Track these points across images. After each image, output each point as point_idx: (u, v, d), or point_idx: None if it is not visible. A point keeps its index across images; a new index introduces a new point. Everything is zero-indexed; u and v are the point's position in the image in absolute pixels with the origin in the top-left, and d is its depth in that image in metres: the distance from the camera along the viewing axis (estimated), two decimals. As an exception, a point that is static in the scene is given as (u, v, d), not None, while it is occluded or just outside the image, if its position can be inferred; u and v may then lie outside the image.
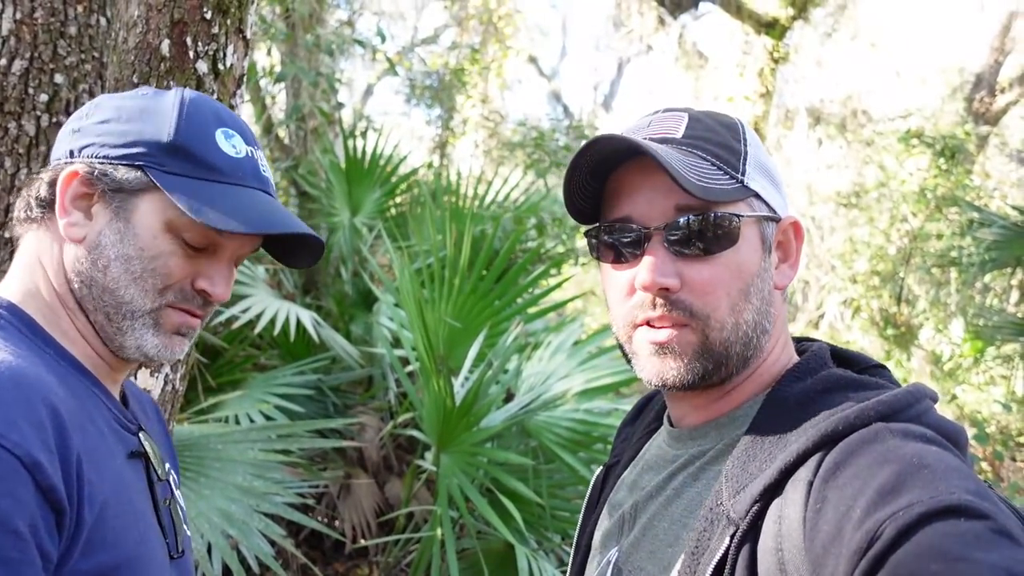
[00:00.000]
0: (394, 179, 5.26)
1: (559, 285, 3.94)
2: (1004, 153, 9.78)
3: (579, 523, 1.10)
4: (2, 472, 0.73)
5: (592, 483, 1.11)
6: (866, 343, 8.22)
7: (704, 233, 0.83)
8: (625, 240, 0.87)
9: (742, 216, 0.85)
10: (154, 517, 0.95)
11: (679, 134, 0.87)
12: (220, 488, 2.65)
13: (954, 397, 7.30)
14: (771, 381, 0.89)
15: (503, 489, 2.87)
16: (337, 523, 3.90)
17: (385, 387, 4.25)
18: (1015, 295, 7.58)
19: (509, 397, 3.35)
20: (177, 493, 1.08)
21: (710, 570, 0.76)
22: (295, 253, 1.03)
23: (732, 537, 0.77)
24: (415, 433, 3.49)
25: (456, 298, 3.38)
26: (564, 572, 3.27)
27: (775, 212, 0.89)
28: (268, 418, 3.35)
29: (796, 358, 0.92)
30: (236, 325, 3.75)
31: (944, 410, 7.27)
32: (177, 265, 0.91)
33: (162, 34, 1.55)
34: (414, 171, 5.70)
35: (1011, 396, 6.93)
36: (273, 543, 2.71)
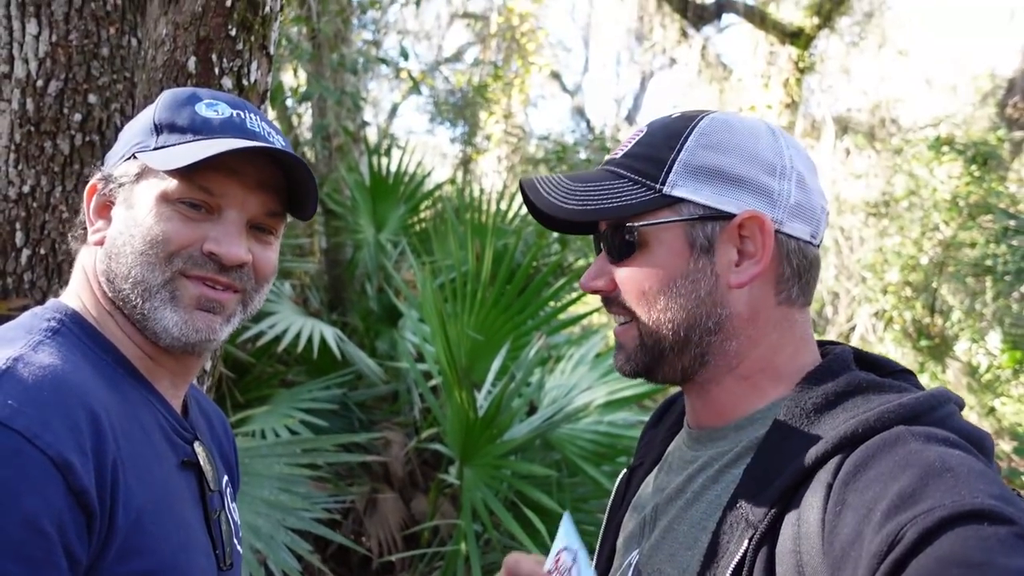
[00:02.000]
0: (418, 196, 5.31)
1: (580, 298, 3.93)
2: (1039, 159, 9.57)
3: (603, 526, 1.09)
4: (33, 472, 0.74)
5: (616, 486, 1.11)
6: (899, 356, 8.05)
7: (613, 243, 0.92)
8: (597, 248, 0.99)
9: (641, 225, 0.89)
10: (203, 528, 0.96)
11: (621, 154, 0.96)
12: (247, 502, 2.67)
13: (992, 410, 7.11)
14: (790, 383, 0.88)
15: (527, 502, 2.86)
16: (363, 539, 3.90)
17: (410, 402, 4.26)
18: (1054, 304, 7.38)
19: (532, 410, 3.33)
20: (232, 506, 1.08)
21: (728, 573, 0.76)
22: (305, 204, 1.01)
23: (750, 540, 0.76)
24: (439, 447, 3.49)
25: (479, 312, 3.39)
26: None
27: (720, 211, 0.88)
28: (294, 433, 3.38)
29: (819, 359, 0.91)
30: (263, 341, 3.79)
31: (982, 423, 7.07)
32: (176, 230, 0.91)
33: (188, 51, 1.59)
34: (438, 187, 5.75)
35: (1052, 408, 6.73)
36: (300, 558, 2.72)
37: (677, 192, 0.89)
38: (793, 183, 0.90)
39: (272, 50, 1.76)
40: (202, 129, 0.94)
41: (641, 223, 0.90)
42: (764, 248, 0.88)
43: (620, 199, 0.91)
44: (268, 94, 1.81)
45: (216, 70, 1.64)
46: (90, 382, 0.84)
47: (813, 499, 0.73)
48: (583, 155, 7.67)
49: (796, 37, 8.86)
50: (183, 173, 0.91)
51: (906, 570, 0.61)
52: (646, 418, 3.35)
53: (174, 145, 0.93)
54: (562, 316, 3.83)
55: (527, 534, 2.68)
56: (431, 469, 4.49)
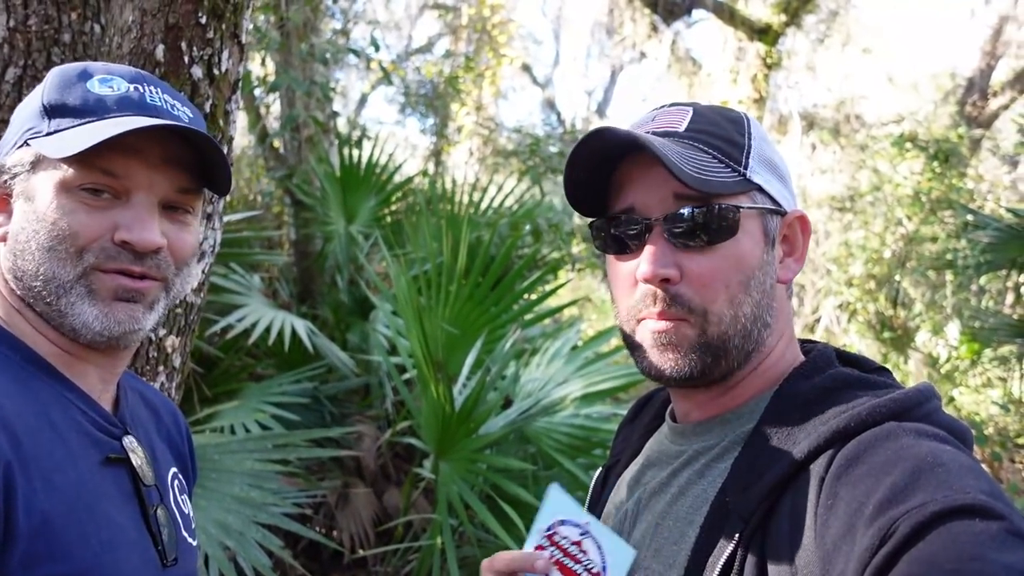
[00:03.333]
0: (389, 187, 5.26)
1: (555, 291, 3.93)
2: (997, 156, 9.82)
3: None
4: None
5: (592, 485, 1.10)
6: (863, 347, 8.22)
7: (703, 224, 0.83)
8: (628, 232, 0.88)
9: (742, 208, 0.85)
10: (139, 525, 0.92)
11: (682, 128, 0.87)
12: (217, 499, 2.62)
13: (951, 400, 7.30)
14: (777, 378, 0.88)
15: (503, 496, 2.85)
16: (335, 533, 3.87)
17: (382, 395, 4.23)
18: (1010, 297, 7.60)
19: (507, 403, 3.33)
20: (181, 499, 1.05)
21: (719, 567, 0.76)
22: (219, 178, 0.95)
23: (741, 534, 0.76)
24: (413, 441, 3.47)
25: (453, 304, 3.37)
26: None
27: (780, 206, 0.89)
28: (264, 428, 3.32)
29: (802, 357, 0.91)
30: (231, 335, 3.73)
31: (942, 413, 7.24)
32: (82, 222, 0.86)
33: (156, 39, 1.54)
34: (410, 179, 5.70)
35: (1008, 397, 6.94)
36: (271, 554, 2.69)
37: (756, 179, 0.86)
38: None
39: (244, 39, 1.72)
40: (96, 109, 0.88)
41: (737, 205, 0.84)
42: (804, 247, 0.90)
43: (717, 175, 0.84)
44: (239, 83, 1.76)
45: (186, 59, 1.59)
46: None
47: (805, 493, 0.73)
48: (556, 148, 7.67)
49: (764, 33, 8.94)
50: (80, 157, 0.85)
51: (898, 564, 0.62)
52: (622, 411, 3.37)
53: (67, 129, 0.87)
54: (537, 309, 3.82)
55: (503, 527, 2.68)
56: (403, 463, 4.46)
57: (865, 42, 11.48)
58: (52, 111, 0.89)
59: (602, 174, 0.90)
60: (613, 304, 0.95)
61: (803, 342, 0.96)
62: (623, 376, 3.22)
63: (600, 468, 1.12)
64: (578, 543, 0.88)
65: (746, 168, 0.86)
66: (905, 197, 7.86)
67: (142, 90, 0.92)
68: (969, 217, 6.64)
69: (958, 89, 9.64)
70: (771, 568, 0.73)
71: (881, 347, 8.03)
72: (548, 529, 0.90)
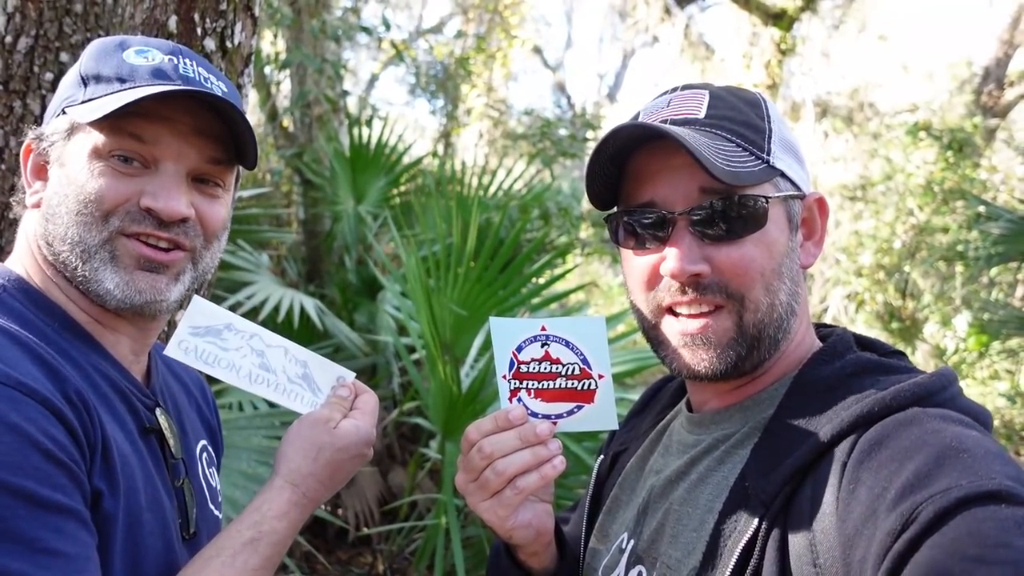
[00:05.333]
0: (399, 168, 5.24)
1: (564, 275, 3.92)
2: (1012, 147, 9.72)
3: (585, 515, 1.07)
4: (34, 413, 0.74)
5: (595, 471, 1.09)
6: (872, 336, 8.19)
7: (731, 216, 0.82)
8: (648, 225, 0.85)
9: (769, 197, 0.83)
10: (172, 494, 0.94)
11: (701, 114, 0.85)
12: (225, 474, 2.64)
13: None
14: (796, 363, 0.87)
15: (508, 477, 2.85)
16: (340, 512, 3.89)
17: (389, 375, 4.24)
18: (1020, 290, 7.55)
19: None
20: (209, 472, 1.06)
21: (739, 550, 0.75)
22: (246, 150, 0.96)
23: (762, 518, 0.75)
24: (420, 421, 3.48)
25: (462, 286, 3.36)
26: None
27: (800, 189, 0.87)
28: (271, 405, 3.34)
29: (819, 342, 0.90)
30: (240, 312, 3.73)
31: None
32: (110, 186, 0.87)
33: (169, 10, 1.53)
34: (419, 160, 5.67)
35: (1016, 390, 6.91)
36: (277, 530, 2.71)
37: (779, 164, 0.84)
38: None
39: (257, 12, 1.70)
40: (130, 77, 0.89)
41: (764, 195, 0.82)
42: (823, 230, 0.88)
43: (744, 165, 0.81)
44: (252, 57, 1.75)
45: (198, 30, 1.57)
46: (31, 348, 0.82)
47: (828, 477, 0.73)
48: (565, 132, 7.62)
49: (779, 19, 8.84)
50: (111, 124, 0.86)
51: (920, 549, 0.61)
52: (627, 396, 3.37)
53: (101, 96, 0.88)
54: (545, 293, 3.81)
55: (507, 509, 2.69)
56: (409, 443, 4.48)
57: (881, 29, 11.34)
58: (88, 80, 0.90)
59: (616, 164, 0.89)
60: (629, 296, 0.93)
61: (819, 326, 0.95)
62: (631, 361, 3.21)
63: (601, 454, 1.10)
64: (546, 356, 0.87)
65: (769, 154, 0.84)
66: (917, 187, 7.79)
67: (176, 62, 0.93)
68: (981, 208, 6.58)
69: (974, 78, 9.53)
70: (792, 552, 0.72)
71: (889, 338, 8.00)
72: (510, 367, 0.89)
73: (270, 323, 4.10)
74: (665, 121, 0.84)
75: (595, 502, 1.06)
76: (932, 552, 0.60)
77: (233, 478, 2.67)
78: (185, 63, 0.93)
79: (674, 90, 0.91)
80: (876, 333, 8.23)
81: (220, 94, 0.91)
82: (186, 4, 1.54)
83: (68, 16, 1.72)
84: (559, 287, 4.21)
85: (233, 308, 3.79)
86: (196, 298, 0.97)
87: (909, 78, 11.75)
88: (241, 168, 0.99)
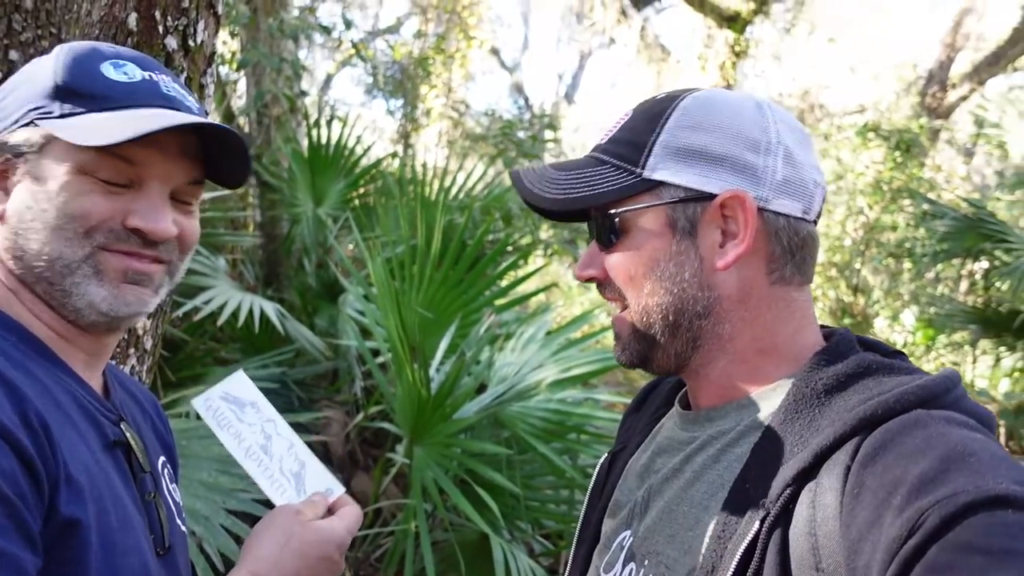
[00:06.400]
0: (358, 169, 5.17)
1: (528, 276, 3.92)
2: (954, 147, 10.08)
3: (583, 511, 1.07)
4: None
5: (597, 471, 1.09)
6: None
7: (599, 231, 0.93)
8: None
9: (629, 210, 0.89)
10: (142, 509, 0.91)
11: (606, 140, 0.95)
12: (184, 485, 2.57)
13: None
14: (795, 364, 0.86)
15: (478, 480, 2.84)
16: (304, 519, 3.82)
17: (351, 380, 4.18)
18: (964, 284, 7.83)
19: (481, 388, 3.32)
20: (172, 487, 1.03)
21: (739, 553, 0.74)
22: (233, 172, 0.96)
23: (763, 521, 0.74)
24: (385, 425, 3.44)
25: (427, 289, 3.33)
26: (540, 561, 3.26)
27: (701, 192, 0.86)
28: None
29: (822, 342, 0.90)
30: (197, 317, 3.64)
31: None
32: (95, 203, 0.85)
33: (129, 7, 1.48)
34: (379, 161, 5.61)
35: (962, 382, 7.15)
36: (239, 540, 2.64)
37: (657, 175, 0.88)
38: (780, 159, 0.87)
39: (220, 9, 1.65)
40: (114, 96, 0.87)
41: (622, 209, 0.90)
42: (747, 227, 0.85)
43: (600, 186, 0.91)
44: (215, 56, 1.70)
45: (160, 28, 1.52)
46: None
47: (830, 481, 0.72)
48: (524, 133, 7.63)
49: (733, 21, 9.01)
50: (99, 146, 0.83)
51: (926, 555, 0.60)
52: (596, 396, 3.39)
53: (84, 114, 0.85)
54: (510, 294, 3.81)
55: (477, 511, 2.67)
56: (372, 448, 4.42)
57: (830, 32, 11.65)
58: (64, 93, 0.86)
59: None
60: None
61: (822, 326, 0.94)
62: (596, 361, 3.23)
63: (606, 454, 1.11)
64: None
65: (643, 167, 0.88)
66: (867, 186, 8.01)
67: (155, 79, 0.91)
68: (927, 206, 6.80)
69: (919, 80, 9.85)
70: (793, 556, 0.72)
71: (842, 333, 8.20)
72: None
73: (228, 328, 4.00)
74: (599, 143, 0.96)
75: (595, 500, 1.06)
76: (938, 560, 0.60)
77: (193, 488, 2.60)
78: (163, 80, 0.92)
79: (624, 111, 1.00)
80: (829, 329, 8.43)
81: (196, 111, 0.91)
82: (146, 1, 1.49)
83: (17, 12, 1.64)
84: (521, 289, 4.21)
85: (191, 314, 3.69)
86: (240, 372, 1.09)
87: (857, 80, 12.10)
88: (226, 187, 1.00)
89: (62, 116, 0.85)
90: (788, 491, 0.75)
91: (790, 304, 0.89)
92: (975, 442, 0.68)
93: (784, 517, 0.74)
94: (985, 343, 6.75)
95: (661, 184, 0.88)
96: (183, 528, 1.02)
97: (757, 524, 0.75)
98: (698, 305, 0.87)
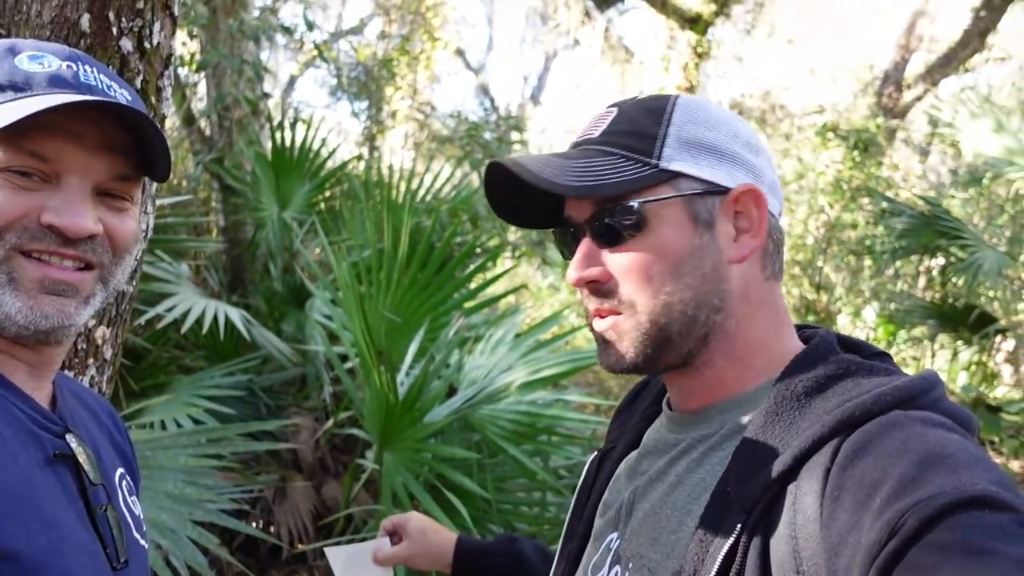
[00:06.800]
0: (323, 172, 5.11)
1: (497, 279, 3.91)
2: (910, 146, 10.33)
3: (571, 510, 1.07)
4: None
5: (586, 470, 1.08)
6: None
7: (612, 225, 0.86)
8: (569, 239, 0.93)
9: (651, 200, 0.86)
10: (86, 525, 0.86)
11: (598, 133, 0.90)
12: (150, 497, 2.50)
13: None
14: (776, 365, 0.86)
15: (448, 485, 2.83)
16: (273, 528, 3.76)
17: (319, 386, 4.13)
18: (923, 280, 8.03)
19: (451, 392, 3.30)
20: (131, 500, 0.99)
21: (720, 557, 0.74)
22: (155, 164, 0.90)
23: (743, 524, 0.74)
24: (355, 431, 3.40)
25: (395, 292, 3.31)
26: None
27: (718, 185, 0.87)
28: (197, 422, 3.19)
29: (801, 344, 0.90)
30: (160, 325, 3.56)
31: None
32: (4, 200, 0.79)
33: (81, 7, 1.43)
34: (345, 164, 5.55)
35: (922, 376, 7.32)
36: (206, 552, 2.59)
37: (675, 166, 0.86)
38: (766, 160, 0.91)
39: (176, 10, 1.61)
40: (25, 85, 0.82)
41: (641, 200, 0.86)
42: (760, 222, 0.87)
43: (617, 175, 0.85)
44: (172, 58, 1.66)
45: (114, 30, 1.48)
46: None
47: (810, 483, 0.72)
48: (490, 135, 7.62)
49: (695, 23, 9.11)
50: (7, 138, 0.79)
51: (905, 558, 0.61)
52: (566, 397, 3.39)
53: None
54: (479, 297, 3.80)
55: (447, 516, 2.66)
56: (342, 455, 4.37)
57: (789, 34, 11.86)
58: None
59: (519, 197, 0.94)
60: None
61: (801, 327, 0.95)
62: (566, 362, 3.23)
63: (595, 453, 1.10)
64: None
65: (659, 158, 0.86)
66: (827, 185, 8.17)
67: (75, 68, 0.85)
68: (885, 205, 6.96)
69: (875, 81, 10.07)
70: (774, 559, 0.72)
71: (805, 329, 8.35)
72: None
73: (193, 336, 3.92)
74: (577, 143, 0.92)
75: (583, 499, 1.06)
76: (918, 561, 0.60)
77: (159, 500, 2.54)
78: (85, 70, 0.86)
79: (600, 110, 0.96)
80: (793, 325, 8.57)
81: (125, 103, 0.84)
82: (99, 2, 1.44)
83: (-37, 13, 1.59)
84: (491, 291, 4.20)
85: (153, 321, 3.61)
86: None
87: (816, 81, 12.32)
88: (152, 179, 0.93)
89: None
90: (769, 494, 0.74)
91: (776, 302, 0.91)
92: (952, 443, 0.68)
93: (765, 520, 0.74)
94: (943, 337, 6.93)
95: (679, 175, 0.86)
96: (142, 543, 0.98)
97: (738, 527, 0.74)
98: (715, 298, 0.86)
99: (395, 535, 1.45)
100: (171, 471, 2.64)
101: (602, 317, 0.89)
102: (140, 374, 3.59)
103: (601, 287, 0.88)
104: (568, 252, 0.94)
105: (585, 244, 0.89)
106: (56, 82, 0.83)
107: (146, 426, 3.11)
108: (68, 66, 0.85)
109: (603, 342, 0.90)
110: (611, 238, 0.87)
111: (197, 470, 2.70)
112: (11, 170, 0.80)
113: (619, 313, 0.87)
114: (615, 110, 0.92)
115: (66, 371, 1.58)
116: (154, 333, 3.72)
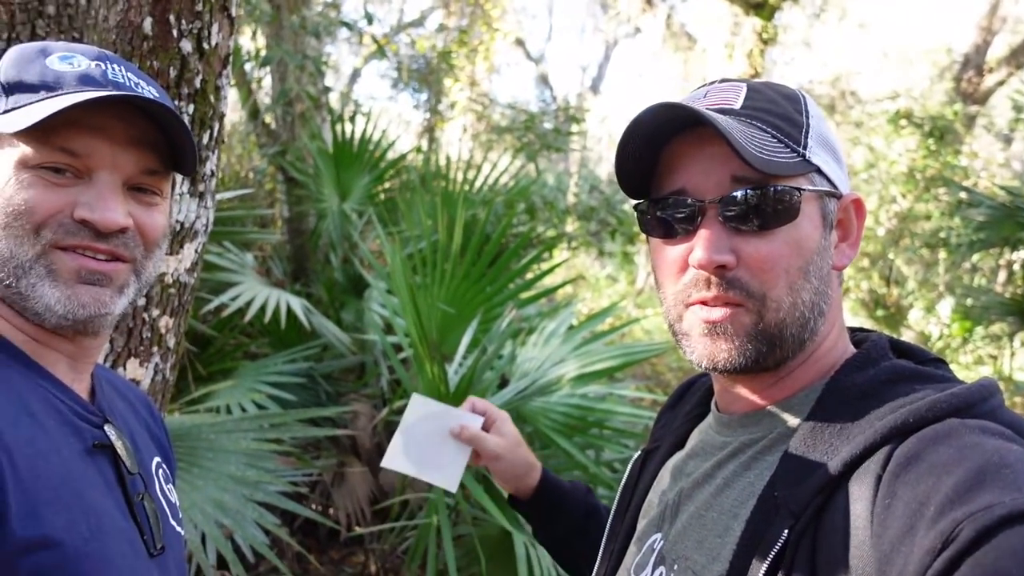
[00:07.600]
0: (383, 164, 5.20)
1: (552, 270, 3.91)
2: (991, 133, 9.80)
3: (613, 509, 1.06)
4: None
5: (629, 469, 1.08)
6: (855, 324, 8.26)
7: (762, 208, 0.79)
8: (678, 214, 0.83)
9: (803, 191, 0.81)
10: (125, 513, 0.90)
11: (738, 105, 0.83)
12: (213, 478, 2.62)
13: (943, 377, 7.36)
14: (828, 369, 0.84)
15: (499, 475, 2.85)
16: (331, 511, 3.88)
17: (377, 374, 4.22)
18: (1003, 275, 7.63)
19: (503, 383, 3.32)
20: (167, 488, 1.03)
21: (768, 561, 0.73)
22: (182, 159, 0.92)
23: (791, 529, 0.73)
24: (409, 420, 3.45)
25: (449, 283, 3.34)
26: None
27: (837, 188, 0.85)
28: (260, 407, 3.31)
29: (852, 347, 0.88)
30: (226, 313, 3.70)
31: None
32: (40, 197, 0.83)
33: (144, 11, 1.50)
34: (403, 156, 5.63)
35: (999, 374, 6.99)
36: (267, 532, 2.69)
37: (816, 160, 0.82)
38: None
39: (234, 11, 1.67)
40: (55, 85, 0.85)
41: (795, 187, 0.80)
42: (859, 232, 0.86)
43: (778, 155, 0.79)
44: (230, 58, 1.72)
45: (174, 32, 1.54)
46: None
47: (861, 490, 0.70)
48: (550, 125, 7.59)
49: (760, 8, 8.85)
50: (39, 136, 0.82)
51: (960, 568, 0.59)
52: (618, 391, 3.37)
53: (25, 106, 0.84)
54: (533, 288, 3.80)
55: (497, 506, 2.68)
56: (399, 441, 4.45)
57: (861, 17, 11.40)
58: (9, 88, 0.86)
59: (653, 150, 0.85)
60: (658, 289, 0.91)
61: (854, 330, 0.92)
62: (619, 356, 3.20)
63: (639, 452, 1.09)
64: None
65: (805, 148, 0.81)
66: (900, 175, 7.85)
67: (104, 67, 0.89)
68: (963, 195, 6.64)
69: (954, 65, 9.59)
70: (822, 566, 0.70)
71: (874, 325, 8.07)
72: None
73: (258, 323, 4.06)
74: (729, 107, 0.84)
75: (626, 498, 1.05)
76: (973, 572, 0.58)
77: (222, 482, 2.64)
78: (113, 68, 0.89)
79: (712, 83, 0.89)
80: (861, 320, 8.29)
81: (152, 98, 0.87)
82: (161, 5, 1.51)
83: (41, 18, 1.68)
84: (547, 282, 4.20)
85: (219, 309, 3.75)
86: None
87: (889, 65, 11.81)
88: (179, 174, 0.95)
89: (7, 111, 0.84)
90: (817, 500, 0.73)
91: (840, 307, 0.89)
92: (1011, 453, 0.65)
93: (813, 526, 0.72)
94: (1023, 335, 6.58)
95: (816, 171, 0.82)
96: (178, 529, 1.01)
97: (786, 533, 0.73)
98: (824, 303, 0.83)
99: (486, 420, 1.35)
100: (234, 454, 2.74)
101: (718, 307, 0.81)
102: (207, 360, 3.74)
103: (727, 275, 0.80)
104: (667, 230, 0.85)
105: (715, 224, 0.80)
106: (86, 80, 0.86)
107: (213, 410, 3.24)
108: (97, 65, 0.88)
109: (712, 335, 0.82)
110: (754, 223, 0.79)
111: (259, 453, 2.80)
112: (44, 167, 0.84)
113: (741, 305, 0.80)
114: (743, 86, 0.85)
115: (132, 359, 1.66)
116: (220, 321, 3.87)
